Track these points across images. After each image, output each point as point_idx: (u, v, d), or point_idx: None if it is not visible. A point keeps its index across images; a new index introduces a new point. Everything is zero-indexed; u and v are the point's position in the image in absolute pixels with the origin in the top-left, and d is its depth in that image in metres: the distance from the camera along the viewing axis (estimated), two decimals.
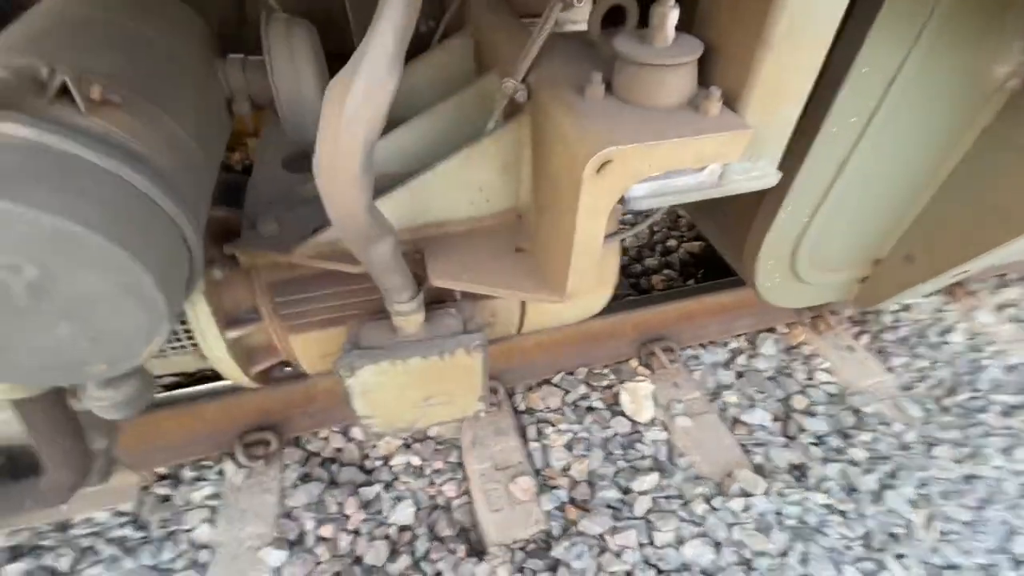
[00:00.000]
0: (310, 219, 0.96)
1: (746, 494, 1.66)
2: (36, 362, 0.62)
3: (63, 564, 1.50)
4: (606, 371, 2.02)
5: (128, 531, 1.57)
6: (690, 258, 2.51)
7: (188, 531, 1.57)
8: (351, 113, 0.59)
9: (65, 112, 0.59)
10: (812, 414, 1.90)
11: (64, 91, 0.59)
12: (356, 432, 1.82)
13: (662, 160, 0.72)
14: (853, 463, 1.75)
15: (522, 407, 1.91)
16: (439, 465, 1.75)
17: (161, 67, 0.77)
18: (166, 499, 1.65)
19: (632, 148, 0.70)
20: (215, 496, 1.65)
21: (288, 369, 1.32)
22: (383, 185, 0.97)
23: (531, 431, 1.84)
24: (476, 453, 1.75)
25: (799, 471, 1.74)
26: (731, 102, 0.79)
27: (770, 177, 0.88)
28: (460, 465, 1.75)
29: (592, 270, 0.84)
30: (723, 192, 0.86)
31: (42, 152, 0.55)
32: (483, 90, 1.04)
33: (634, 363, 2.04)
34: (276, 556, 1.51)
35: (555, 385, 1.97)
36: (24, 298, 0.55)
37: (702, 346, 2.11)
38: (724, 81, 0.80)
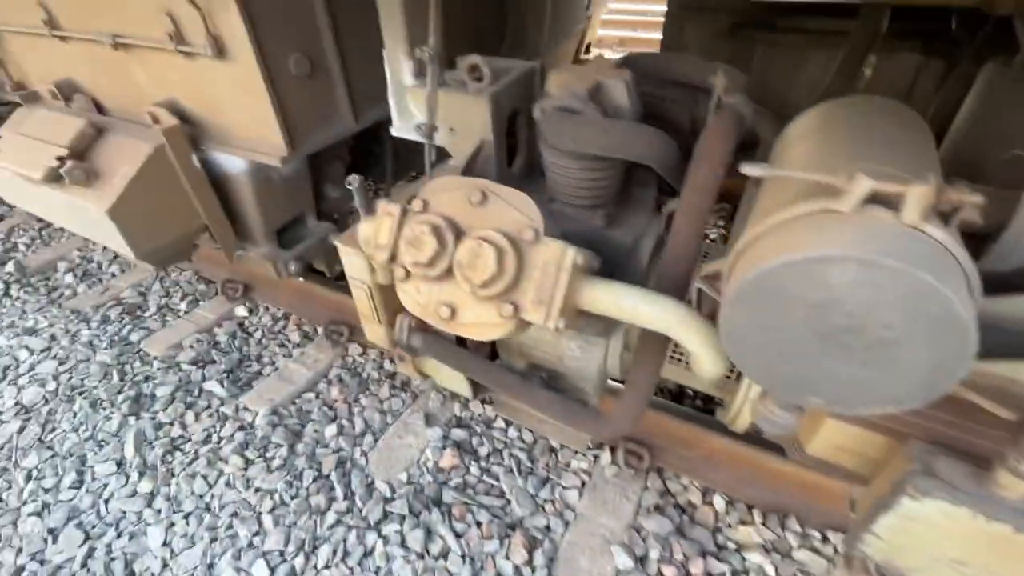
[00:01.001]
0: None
1: None
2: (860, 394, 0.77)
3: (482, 451, 2.02)
4: None
5: (523, 456, 1.99)
6: None
7: (562, 487, 1.88)
8: None
9: (929, 215, 0.73)
10: None
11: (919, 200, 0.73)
12: (716, 500, 1.83)
13: None
14: None
15: None
16: None
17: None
18: (553, 450, 2.01)
19: None
20: (587, 473, 1.92)
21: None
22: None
23: None
24: None
25: None
26: None
27: None
28: None
29: None
30: None
31: (938, 248, 0.69)
32: None
33: None
34: (623, 560, 1.65)
35: None
36: (874, 346, 0.71)
37: None
38: None
